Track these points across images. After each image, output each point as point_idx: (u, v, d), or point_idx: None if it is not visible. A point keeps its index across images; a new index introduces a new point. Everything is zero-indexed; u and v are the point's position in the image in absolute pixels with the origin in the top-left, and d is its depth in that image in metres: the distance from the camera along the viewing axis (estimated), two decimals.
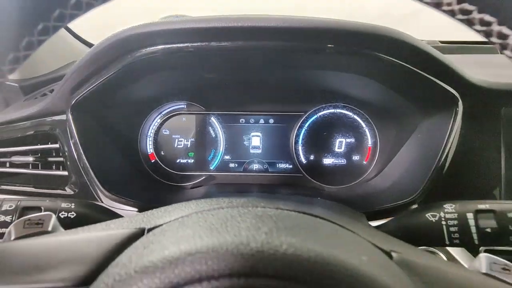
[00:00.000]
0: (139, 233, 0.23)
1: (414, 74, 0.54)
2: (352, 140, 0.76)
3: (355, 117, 0.75)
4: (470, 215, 0.38)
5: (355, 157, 0.75)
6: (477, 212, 0.37)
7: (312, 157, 0.76)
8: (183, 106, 0.77)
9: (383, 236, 0.29)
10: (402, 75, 0.56)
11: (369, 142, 0.75)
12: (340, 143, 0.76)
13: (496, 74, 0.60)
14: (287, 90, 0.75)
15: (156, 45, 0.55)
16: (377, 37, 0.51)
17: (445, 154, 0.54)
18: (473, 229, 0.37)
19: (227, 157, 0.78)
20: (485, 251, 0.57)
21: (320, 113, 0.76)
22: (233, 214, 0.24)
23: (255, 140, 0.78)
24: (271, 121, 0.77)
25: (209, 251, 0.17)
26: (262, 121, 0.77)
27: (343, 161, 0.76)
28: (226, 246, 0.17)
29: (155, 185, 0.74)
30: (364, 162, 0.75)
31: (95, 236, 0.22)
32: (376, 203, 0.59)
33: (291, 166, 0.77)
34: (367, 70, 0.58)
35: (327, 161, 0.76)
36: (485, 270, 0.31)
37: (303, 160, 0.76)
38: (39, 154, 0.65)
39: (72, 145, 0.60)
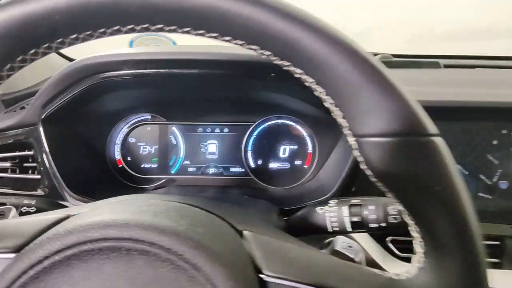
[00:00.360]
0: (65, 217, 0.33)
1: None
2: (295, 146, 0.86)
3: (297, 126, 0.86)
4: (345, 208, 0.48)
5: (297, 162, 0.86)
6: (351, 206, 0.48)
7: (260, 162, 0.87)
8: (148, 117, 0.88)
9: (252, 221, 0.39)
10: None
11: (309, 148, 0.86)
12: (284, 150, 0.87)
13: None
14: (238, 104, 0.86)
15: (118, 70, 0.65)
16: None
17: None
18: (347, 219, 0.48)
19: (186, 162, 0.88)
20: (391, 241, 0.68)
21: (267, 124, 0.86)
22: (141, 203, 0.34)
23: (211, 147, 0.88)
24: (226, 130, 0.88)
25: (95, 223, 0.27)
26: (217, 130, 0.88)
27: (286, 165, 0.86)
28: (108, 221, 0.28)
29: (121, 187, 0.85)
30: (305, 166, 0.86)
31: (34, 219, 0.32)
32: (302, 201, 0.69)
33: (242, 170, 0.87)
34: (287, 91, 0.69)
35: (273, 165, 0.87)
36: (336, 248, 0.41)
37: (252, 165, 0.87)
38: (17, 160, 0.76)
39: (43, 152, 0.70)
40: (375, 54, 1.26)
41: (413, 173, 0.29)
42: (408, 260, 0.67)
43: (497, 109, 0.67)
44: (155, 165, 0.88)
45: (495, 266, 0.65)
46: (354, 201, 0.48)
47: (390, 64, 1.14)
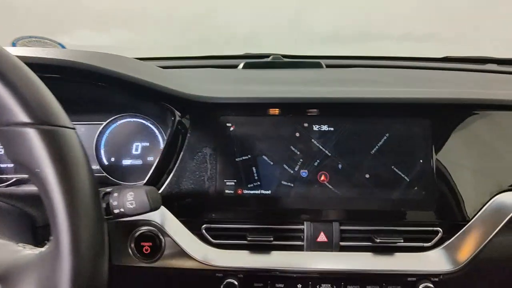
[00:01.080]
0: None
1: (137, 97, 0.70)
2: (147, 143, 0.90)
3: (149, 124, 0.90)
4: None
5: (149, 158, 0.90)
6: (105, 194, 0.52)
7: (113, 159, 0.90)
8: None
9: None
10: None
11: (161, 145, 0.90)
12: (137, 147, 0.90)
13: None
14: (90, 103, 0.89)
15: None
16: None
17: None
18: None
19: None
20: (206, 229, 0.73)
21: (119, 122, 0.90)
22: None
23: None
24: (82, 130, 0.91)
25: None
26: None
27: (139, 162, 0.90)
28: None
29: None
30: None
31: None
32: None
33: (97, 167, 0.90)
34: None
35: (126, 162, 0.90)
36: None
37: (105, 162, 0.90)
38: None
39: None
40: (268, 55, 1.33)
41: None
42: (223, 246, 0.72)
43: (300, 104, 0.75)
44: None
45: (296, 248, 0.72)
46: (109, 189, 0.52)
47: (280, 64, 1.21)
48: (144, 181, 0.73)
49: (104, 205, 0.51)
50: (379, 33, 1.27)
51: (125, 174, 0.92)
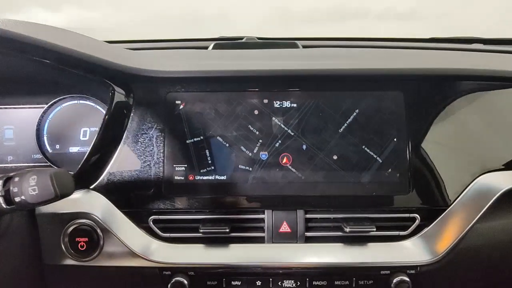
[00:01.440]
0: None
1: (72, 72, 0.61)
2: (96, 128, 0.81)
3: (98, 107, 0.80)
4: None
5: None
6: (6, 180, 0.43)
7: (58, 147, 0.80)
8: None
9: None
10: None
11: None
12: (85, 132, 0.81)
13: None
14: (30, 83, 0.79)
15: None
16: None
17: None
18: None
19: None
20: (154, 221, 0.64)
21: (64, 104, 0.80)
22: None
23: (8, 133, 0.81)
24: (24, 114, 0.81)
25: None
26: (13, 115, 0.81)
27: (88, 149, 0.81)
28: None
29: None
30: None
31: None
32: None
33: (40, 157, 0.81)
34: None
35: (73, 149, 0.81)
36: None
37: (49, 150, 0.80)
38: None
39: None
40: (242, 38, 1.25)
41: None
42: (174, 240, 0.64)
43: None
44: None
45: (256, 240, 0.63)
46: (13, 174, 0.43)
47: (253, 45, 1.12)
48: (77, 169, 0.63)
49: (2, 192, 0.41)
50: (358, 10, 1.19)
51: (73, 163, 0.82)
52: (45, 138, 0.81)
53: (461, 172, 0.64)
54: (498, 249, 0.62)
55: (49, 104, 0.79)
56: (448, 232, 0.62)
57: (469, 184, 0.63)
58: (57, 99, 0.79)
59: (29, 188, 0.40)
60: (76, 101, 0.81)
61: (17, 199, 0.41)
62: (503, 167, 0.65)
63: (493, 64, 0.77)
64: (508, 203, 0.62)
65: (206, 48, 1.07)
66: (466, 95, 0.68)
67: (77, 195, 0.62)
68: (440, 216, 0.63)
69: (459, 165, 0.64)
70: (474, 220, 0.61)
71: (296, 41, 1.11)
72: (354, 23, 1.19)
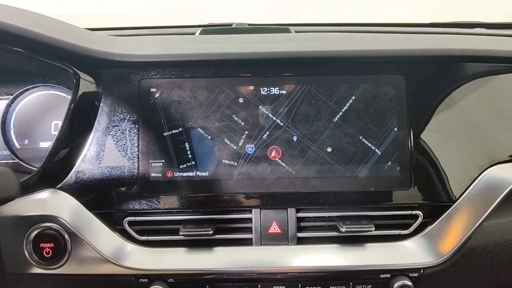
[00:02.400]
0: None
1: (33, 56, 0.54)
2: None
3: (69, 97, 0.73)
4: None
5: None
6: None
7: (26, 142, 0.73)
8: None
9: None
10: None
11: None
12: (56, 125, 0.74)
13: None
14: None
15: None
16: None
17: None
18: None
19: None
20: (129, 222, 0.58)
21: (31, 95, 0.73)
22: None
23: None
24: None
25: None
26: None
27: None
28: None
29: None
30: None
31: None
32: None
33: (7, 153, 0.74)
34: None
35: (44, 144, 0.74)
36: None
37: (17, 146, 0.73)
38: None
39: None
40: (231, 24, 1.18)
41: None
42: (152, 244, 0.57)
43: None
44: None
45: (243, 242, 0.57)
46: None
47: (243, 30, 1.06)
48: (38, 168, 0.57)
49: None
50: None
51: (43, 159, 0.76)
52: (11, 132, 0.73)
53: (468, 164, 0.59)
54: (509, 248, 0.57)
55: (15, 94, 0.72)
56: (454, 230, 0.56)
57: (476, 178, 0.58)
58: (24, 89, 0.72)
59: None
60: (45, 91, 0.73)
61: None
62: None
63: (499, 47, 0.72)
64: None
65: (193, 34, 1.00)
66: (472, 80, 0.62)
67: (41, 195, 0.56)
68: (445, 213, 0.57)
69: (465, 157, 0.59)
70: (483, 217, 0.56)
71: (288, 27, 1.05)
72: (348, 9, 1.13)
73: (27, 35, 0.52)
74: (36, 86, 0.73)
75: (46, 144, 0.76)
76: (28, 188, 0.56)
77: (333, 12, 1.29)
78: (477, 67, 0.63)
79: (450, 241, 0.56)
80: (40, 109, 0.75)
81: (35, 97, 0.74)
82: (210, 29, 1.02)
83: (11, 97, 0.73)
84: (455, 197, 0.58)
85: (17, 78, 0.72)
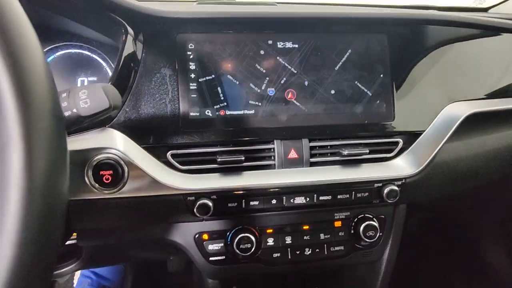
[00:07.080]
0: None
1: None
2: (94, 79, 0.81)
3: (95, 56, 0.80)
4: None
5: None
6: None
7: None
8: None
9: None
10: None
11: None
12: (82, 82, 0.81)
13: None
14: None
15: None
16: None
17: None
18: None
19: None
20: (172, 155, 0.68)
21: (57, 53, 0.79)
22: None
23: None
24: None
25: None
26: None
27: None
28: None
29: None
30: None
31: None
32: None
33: None
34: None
35: None
36: None
37: None
38: None
39: None
40: None
41: None
42: (192, 172, 0.69)
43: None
44: None
45: (268, 167, 0.71)
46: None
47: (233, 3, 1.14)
48: None
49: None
50: None
51: None
52: None
53: (434, 102, 0.77)
54: (463, 161, 0.77)
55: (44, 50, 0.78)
56: (424, 151, 0.74)
57: (439, 112, 0.77)
58: (50, 47, 0.78)
59: (80, 102, 0.42)
60: (71, 50, 0.79)
61: (67, 114, 0.42)
62: (466, 99, 0.79)
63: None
64: (468, 125, 0.76)
65: None
66: (441, 40, 0.80)
67: (95, 133, 0.64)
68: (418, 139, 0.75)
69: (433, 97, 0.77)
70: (444, 141, 0.74)
71: (275, 3, 1.17)
72: None
73: None
74: (62, 45, 0.79)
75: None
76: (83, 127, 0.64)
77: None
78: (444, 30, 0.80)
79: (422, 159, 0.74)
80: (66, 67, 0.80)
81: (62, 56, 0.79)
82: (205, 1, 1.11)
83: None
84: (425, 127, 0.76)
85: (45, 35, 0.77)
